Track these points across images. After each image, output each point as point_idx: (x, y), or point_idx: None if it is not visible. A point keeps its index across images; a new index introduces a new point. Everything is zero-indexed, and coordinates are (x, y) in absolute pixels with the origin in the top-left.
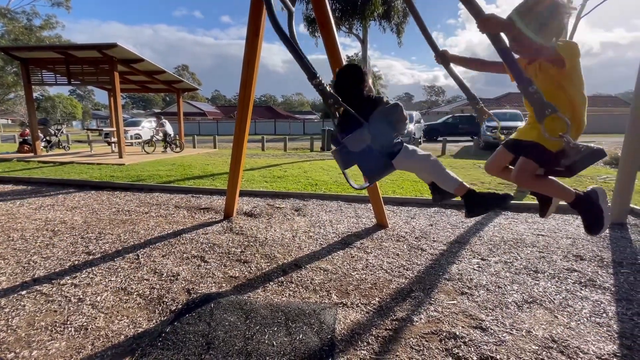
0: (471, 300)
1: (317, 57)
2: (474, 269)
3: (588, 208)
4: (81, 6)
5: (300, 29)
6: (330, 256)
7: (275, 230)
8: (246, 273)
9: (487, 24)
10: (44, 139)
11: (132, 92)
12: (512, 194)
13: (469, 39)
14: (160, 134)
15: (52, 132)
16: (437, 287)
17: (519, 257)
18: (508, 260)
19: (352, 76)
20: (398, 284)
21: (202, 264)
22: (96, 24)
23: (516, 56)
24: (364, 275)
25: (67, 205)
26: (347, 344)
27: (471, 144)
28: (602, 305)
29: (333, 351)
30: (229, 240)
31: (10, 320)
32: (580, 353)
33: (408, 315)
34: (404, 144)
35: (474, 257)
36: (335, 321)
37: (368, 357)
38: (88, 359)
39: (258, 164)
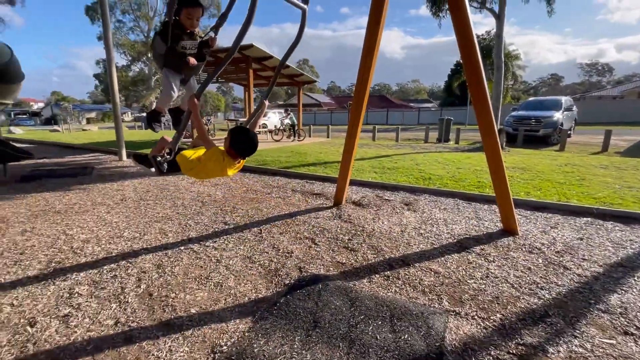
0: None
1: (439, 39)
2: None
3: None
4: None
5: (422, 11)
6: (442, 258)
7: (383, 223)
8: (352, 261)
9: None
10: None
11: (261, 87)
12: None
13: None
14: (286, 123)
15: (204, 123)
16: (585, 318)
17: None
18: None
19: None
20: (528, 303)
21: (313, 245)
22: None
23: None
24: (482, 286)
25: (212, 182)
26: (459, 357)
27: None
28: None
29: None
30: (338, 226)
31: (173, 268)
32: None
33: (540, 342)
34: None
35: None
36: (446, 329)
37: None
38: (221, 311)
39: (368, 154)
